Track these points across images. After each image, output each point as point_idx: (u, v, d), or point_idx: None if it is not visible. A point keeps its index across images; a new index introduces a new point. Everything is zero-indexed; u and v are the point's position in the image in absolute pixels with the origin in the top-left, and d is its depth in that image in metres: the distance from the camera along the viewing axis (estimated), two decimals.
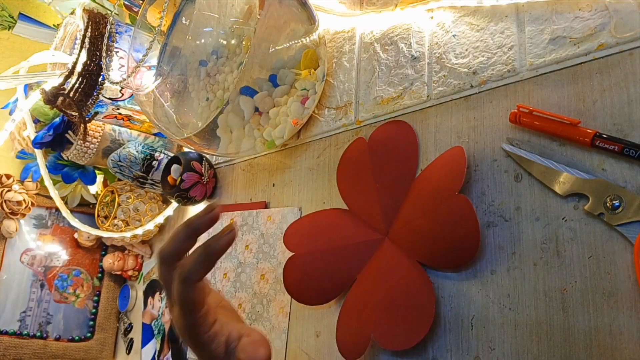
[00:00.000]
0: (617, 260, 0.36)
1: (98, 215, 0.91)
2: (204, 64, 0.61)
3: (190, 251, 0.33)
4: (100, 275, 1.00)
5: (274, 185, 0.67)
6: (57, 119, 0.82)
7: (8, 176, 0.90)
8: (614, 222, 0.36)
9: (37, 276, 0.94)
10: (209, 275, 0.71)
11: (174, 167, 0.76)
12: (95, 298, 0.98)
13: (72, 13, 0.79)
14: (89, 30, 0.66)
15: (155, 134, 0.87)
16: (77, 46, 0.67)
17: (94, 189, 0.98)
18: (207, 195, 0.77)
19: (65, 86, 0.66)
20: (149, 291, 0.91)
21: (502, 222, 0.42)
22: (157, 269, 0.35)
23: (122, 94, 0.76)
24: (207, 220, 0.33)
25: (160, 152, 0.82)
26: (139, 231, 0.87)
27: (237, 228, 0.61)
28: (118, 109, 0.77)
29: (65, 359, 0.91)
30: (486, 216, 0.43)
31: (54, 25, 0.92)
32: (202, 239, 0.33)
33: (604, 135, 0.37)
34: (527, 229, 0.40)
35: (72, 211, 0.90)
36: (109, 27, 0.67)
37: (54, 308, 0.94)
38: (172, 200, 0.84)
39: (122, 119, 0.79)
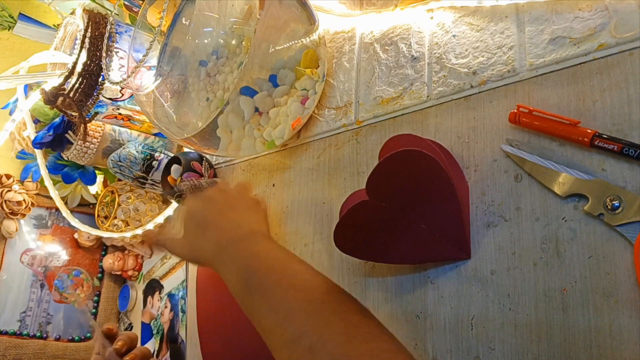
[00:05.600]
0: (617, 261, 0.36)
1: (98, 216, 0.91)
2: (204, 64, 0.62)
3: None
4: (100, 275, 1.00)
5: (274, 185, 0.67)
6: (57, 119, 0.82)
7: (8, 176, 0.90)
8: (614, 222, 0.36)
9: (37, 276, 0.94)
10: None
11: (174, 167, 0.76)
12: (96, 298, 0.98)
13: (72, 13, 0.79)
14: (89, 30, 0.66)
15: (155, 134, 0.87)
16: (77, 46, 0.67)
17: (94, 189, 0.98)
18: None
19: (65, 86, 0.66)
20: (149, 290, 0.91)
21: (502, 222, 0.42)
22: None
23: (122, 94, 0.76)
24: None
25: (160, 152, 0.82)
26: (139, 231, 0.87)
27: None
28: (118, 109, 0.77)
29: (65, 359, 0.91)
30: (486, 216, 0.43)
31: (54, 25, 0.92)
32: None
33: (604, 135, 0.37)
34: (527, 229, 0.40)
35: (72, 211, 0.90)
36: (109, 27, 0.67)
37: (54, 308, 0.94)
38: (172, 201, 0.84)
39: (122, 119, 0.79)
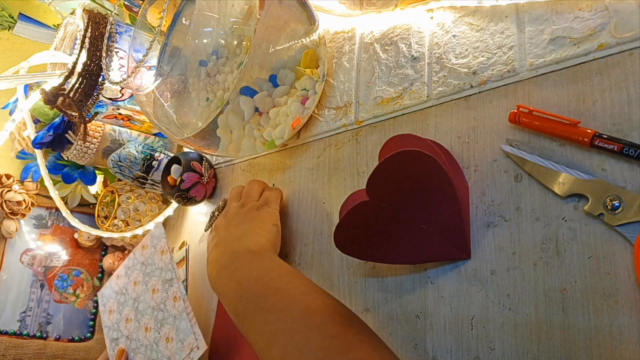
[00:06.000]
0: (617, 261, 0.36)
1: (98, 216, 0.91)
2: (204, 64, 0.62)
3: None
4: (100, 275, 1.00)
5: (273, 185, 0.67)
6: (57, 119, 0.82)
7: (8, 176, 0.90)
8: (614, 222, 0.36)
9: (37, 276, 0.94)
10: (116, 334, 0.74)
11: (174, 167, 0.76)
12: (96, 298, 0.98)
13: (72, 13, 0.79)
14: (89, 30, 0.66)
15: (155, 134, 0.87)
16: (77, 46, 0.67)
17: (94, 189, 0.98)
18: (207, 195, 0.77)
19: (65, 86, 0.66)
20: None
21: (502, 222, 0.42)
22: None
23: (122, 94, 0.76)
24: None
25: (160, 152, 0.82)
26: (139, 231, 0.87)
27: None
28: (118, 109, 0.77)
29: (65, 359, 0.91)
30: (486, 216, 0.43)
31: (54, 25, 0.92)
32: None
33: (604, 135, 0.37)
34: (527, 229, 0.40)
35: (72, 211, 0.90)
36: (109, 27, 0.67)
37: (54, 308, 0.94)
38: (172, 201, 0.84)
39: (122, 119, 0.79)
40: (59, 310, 0.94)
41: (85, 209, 0.98)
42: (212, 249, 0.55)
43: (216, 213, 0.67)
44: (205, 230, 0.70)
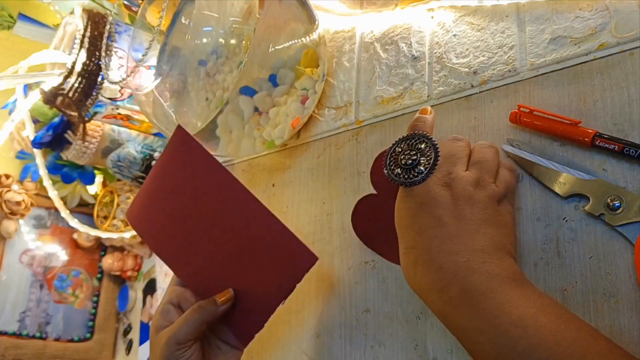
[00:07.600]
0: (618, 261, 0.35)
1: (97, 216, 0.91)
2: (204, 64, 0.61)
3: None
4: (99, 275, 1.00)
5: (273, 185, 0.67)
6: (57, 119, 0.82)
7: (7, 176, 0.90)
8: (615, 222, 0.36)
9: (37, 276, 0.94)
10: None
11: None
12: (95, 298, 0.98)
13: (72, 13, 0.79)
14: (89, 30, 0.66)
15: (154, 134, 0.87)
16: (77, 46, 0.67)
17: (93, 189, 0.98)
18: None
19: (64, 86, 0.66)
20: (149, 290, 0.91)
21: None
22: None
23: (122, 94, 0.76)
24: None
25: (160, 152, 0.82)
26: None
27: None
28: (117, 108, 0.77)
29: (64, 359, 0.91)
30: None
31: (53, 25, 0.92)
32: None
33: (605, 135, 0.37)
34: (528, 230, 0.40)
35: (71, 211, 0.90)
36: (108, 26, 0.67)
37: (54, 308, 0.94)
38: None
39: (122, 118, 0.79)
40: (59, 311, 0.94)
41: (84, 209, 0.98)
42: (434, 241, 0.36)
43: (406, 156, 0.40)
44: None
